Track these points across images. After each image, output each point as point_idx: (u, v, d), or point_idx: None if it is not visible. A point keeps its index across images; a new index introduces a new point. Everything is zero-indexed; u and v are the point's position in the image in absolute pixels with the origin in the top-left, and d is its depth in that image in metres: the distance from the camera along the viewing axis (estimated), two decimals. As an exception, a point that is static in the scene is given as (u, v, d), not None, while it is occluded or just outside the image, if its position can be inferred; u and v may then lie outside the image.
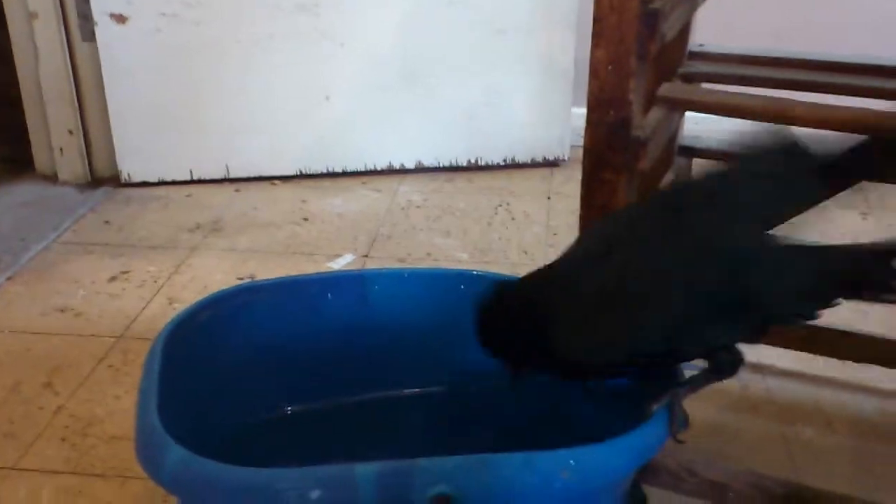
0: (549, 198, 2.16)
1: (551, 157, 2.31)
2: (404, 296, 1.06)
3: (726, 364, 0.87)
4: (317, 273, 1.55)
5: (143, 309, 1.68)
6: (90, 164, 2.26)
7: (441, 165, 2.31)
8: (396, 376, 1.08)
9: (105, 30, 2.09)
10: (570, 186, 2.19)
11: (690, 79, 1.20)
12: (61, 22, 2.12)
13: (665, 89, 1.06)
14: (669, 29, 0.99)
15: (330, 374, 1.07)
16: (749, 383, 1.43)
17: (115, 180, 2.23)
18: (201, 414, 0.95)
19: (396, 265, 1.84)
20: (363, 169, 2.28)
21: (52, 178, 2.26)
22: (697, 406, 1.36)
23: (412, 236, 1.98)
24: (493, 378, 1.05)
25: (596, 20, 0.92)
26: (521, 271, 1.78)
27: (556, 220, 2.04)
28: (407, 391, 1.09)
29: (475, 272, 1.09)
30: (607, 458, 0.76)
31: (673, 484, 1.09)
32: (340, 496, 0.73)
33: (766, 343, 1.44)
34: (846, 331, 1.42)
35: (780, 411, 1.38)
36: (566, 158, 2.30)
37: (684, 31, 1.20)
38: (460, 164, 2.31)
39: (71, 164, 2.24)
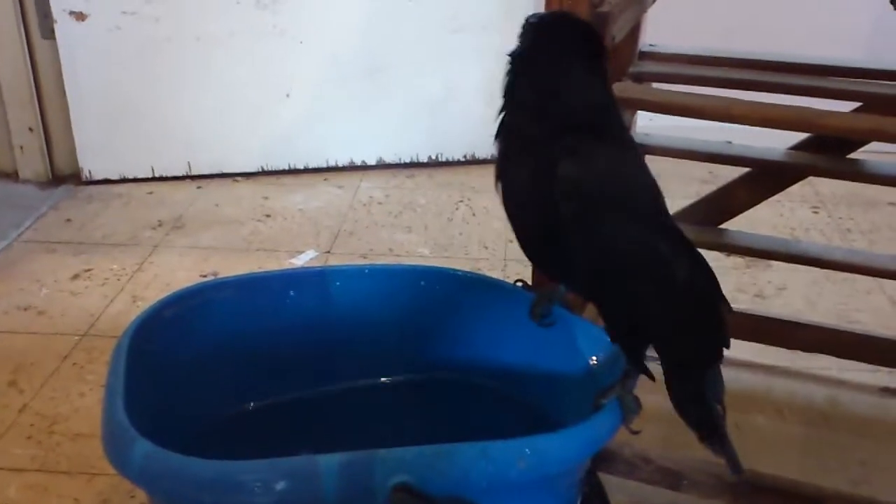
0: (508, 193, 2.19)
1: (511, 153, 2.34)
2: (365, 292, 1.08)
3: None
4: (279, 270, 1.57)
5: (107, 307, 1.69)
6: (51, 161, 2.26)
7: (402, 161, 2.33)
8: (358, 370, 1.10)
9: (64, 27, 2.09)
10: None
11: (640, 78, 1.23)
12: (20, 19, 2.12)
13: (616, 89, 1.09)
14: (619, 31, 1.02)
15: (293, 368, 1.08)
16: (703, 373, 1.47)
17: (76, 178, 2.24)
18: (167, 409, 0.96)
19: (359, 261, 1.86)
20: (325, 165, 2.30)
21: (13, 177, 2.25)
22: (653, 396, 1.40)
23: (374, 232, 2.00)
24: (451, 371, 1.09)
25: (548, 23, 0.94)
26: (482, 266, 1.83)
27: (515, 215, 2.06)
28: (368, 384, 1.11)
29: (434, 268, 1.12)
30: (561, 447, 0.79)
31: (628, 472, 1.12)
32: (304, 487, 0.75)
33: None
34: (797, 321, 1.47)
35: (733, 400, 1.40)
36: (525, 154, 2.33)
37: (634, 32, 1.23)
38: (421, 160, 2.33)
39: (32, 162, 2.23)
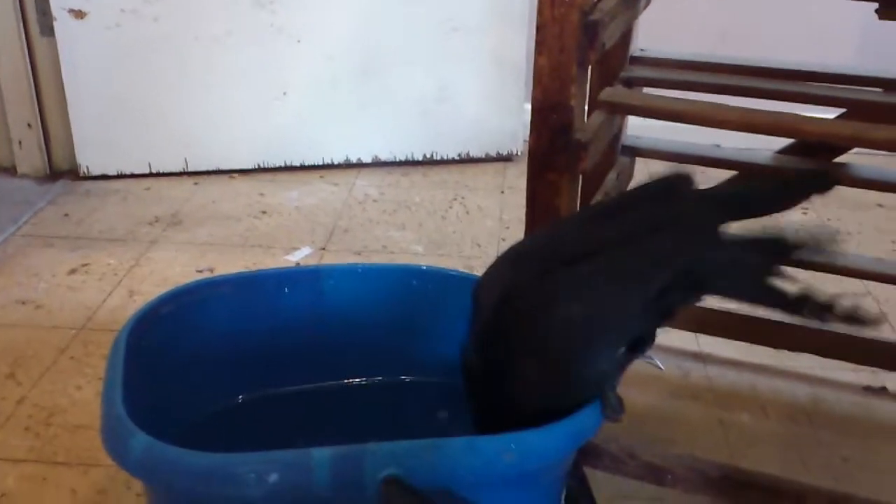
0: (502, 192, 2.22)
1: (504, 152, 2.37)
2: (358, 290, 1.11)
3: (645, 339, 0.91)
4: (274, 268, 1.59)
5: (104, 301, 1.72)
6: (49, 157, 2.27)
7: (397, 160, 2.35)
8: (350, 367, 1.13)
9: (64, 25, 2.11)
10: (523, 181, 2.20)
11: (631, 83, 1.25)
12: (20, 17, 2.13)
13: (606, 94, 1.12)
14: (609, 37, 1.04)
15: (287, 364, 1.11)
16: (690, 371, 1.50)
17: (74, 173, 2.26)
18: (163, 402, 0.99)
19: (353, 258, 1.89)
20: (320, 163, 2.33)
21: (11, 171, 2.27)
22: (641, 393, 1.43)
23: (368, 229, 2.02)
24: (441, 369, 1.11)
25: (538, 29, 0.97)
26: (475, 264, 1.85)
27: (508, 214, 2.09)
28: (360, 381, 1.14)
29: (425, 267, 1.14)
30: (545, 442, 0.81)
31: (615, 467, 1.15)
32: (297, 479, 0.77)
33: (708, 333, 1.52)
34: (782, 321, 1.49)
35: (719, 398, 1.45)
36: (519, 153, 2.36)
37: (626, 37, 1.25)
38: (416, 158, 2.36)
39: (30, 158, 2.26)
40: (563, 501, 0.98)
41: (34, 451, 1.32)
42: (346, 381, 1.14)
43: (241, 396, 1.11)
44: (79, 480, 1.26)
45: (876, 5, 1.13)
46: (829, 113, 1.19)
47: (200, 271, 1.83)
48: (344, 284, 1.11)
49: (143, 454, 0.79)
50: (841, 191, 2.16)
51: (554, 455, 0.85)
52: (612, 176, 1.30)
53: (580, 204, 1.16)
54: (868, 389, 1.47)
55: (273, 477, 0.77)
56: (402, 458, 0.78)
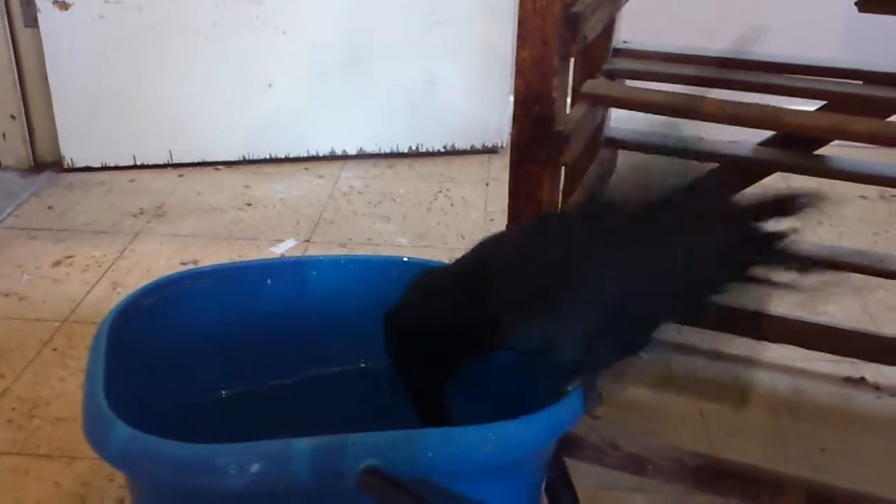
0: (487, 184, 2.22)
1: (489, 144, 2.37)
2: (341, 281, 1.11)
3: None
4: (256, 259, 1.59)
5: (88, 293, 1.71)
6: (33, 149, 2.27)
7: (382, 152, 2.35)
8: (334, 357, 1.13)
9: (48, 16, 2.10)
10: (507, 173, 2.24)
11: (614, 75, 1.26)
12: (3, 8, 2.12)
13: (588, 86, 1.12)
14: (591, 30, 1.05)
15: (270, 355, 1.11)
16: (673, 363, 1.51)
17: (58, 165, 2.25)
18: (147, 395, 0.99)
19: (338, 250, 1.89)
20: (306, 155, 2.33)
21: (-5, 163, 2.27)
22: (625, 385, 1.43)
23: (353, 221, 2.03)
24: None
25: (520, 22, 0.97)
26: (459, 255, 1.84)
27: (493, 206, 2.10)
28: (344, 370, 1.14)
29: (407, 259, 1.14)
30: (525, 433, 0.82)
31: (596, 458, 1.15)
32: (278, 469, 0.77)
33: (689, 324, 1.52)
34: (763, 312, 1.50)
35: (700, 388, 1.45)
36: (504, 145, 2.37)
37: (608, 29, 1.26)
38: (401, 150, 2.36)
39: (14, 150, 2.25)
40: (543, 492, 0.99)
41: (17, 444, 1.32)
42: (329, 370, 1.14)
43: (224, 387, 1.11)
44: (62, 473, 1.26)
45: (856, -2, 1.14)
46: (811, 105, 1.20)
47: (185, 263, 1.83)
48: (327, 275, 1.11)
49: (124, 445, 0.79)
50: (823, 183, 2.17)
51: (533, 445, 0.85)
52: (594, 167, 1.31)
53: (562, 195, 1.16)
54: (848, 380, 1.48)
55: (254, 467, 0.77)
56: (382, 448, 0.78)
